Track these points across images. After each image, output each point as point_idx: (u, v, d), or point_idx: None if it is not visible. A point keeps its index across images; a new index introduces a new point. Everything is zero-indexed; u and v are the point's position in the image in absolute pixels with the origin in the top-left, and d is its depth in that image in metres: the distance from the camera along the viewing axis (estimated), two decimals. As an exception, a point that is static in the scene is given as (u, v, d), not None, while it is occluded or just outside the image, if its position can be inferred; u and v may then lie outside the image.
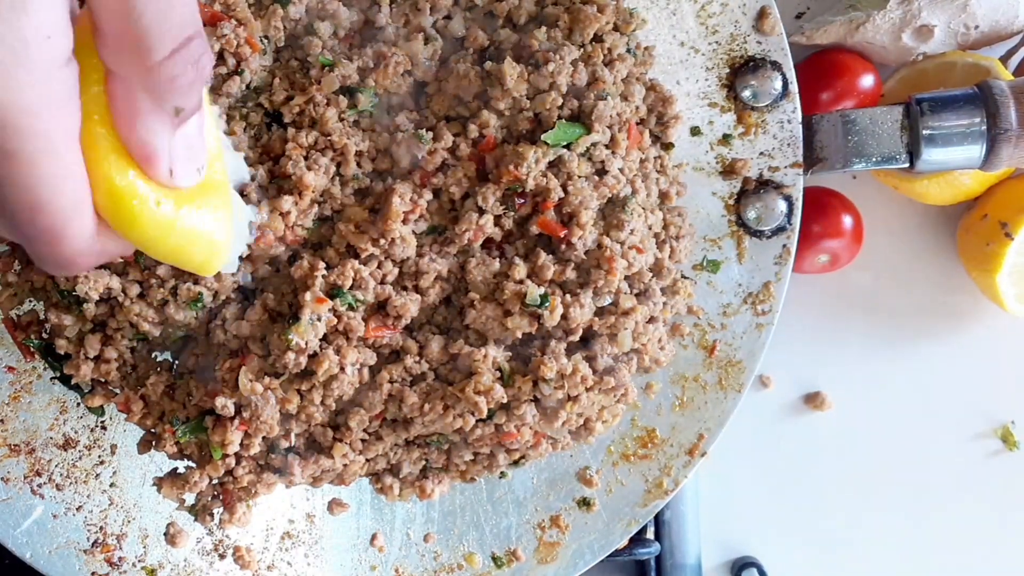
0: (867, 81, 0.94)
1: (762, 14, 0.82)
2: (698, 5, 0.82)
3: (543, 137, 0.74)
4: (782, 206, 0.83)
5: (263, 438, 0.76)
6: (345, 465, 0.78)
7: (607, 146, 0.76)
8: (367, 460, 0.79)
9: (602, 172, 0.76)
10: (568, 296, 0.75)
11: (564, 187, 0.75)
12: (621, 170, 0.77)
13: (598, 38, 0.77)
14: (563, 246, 0.75)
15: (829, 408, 1.02)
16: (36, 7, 0.46)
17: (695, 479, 0.84)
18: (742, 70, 0.83)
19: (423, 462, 0.81)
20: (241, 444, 0.76)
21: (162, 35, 0.50)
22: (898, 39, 0.92)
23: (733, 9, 0.82)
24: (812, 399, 1.02)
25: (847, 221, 0.96)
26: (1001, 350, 1.03)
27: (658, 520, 0.98)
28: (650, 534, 0.97)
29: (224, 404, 0.74)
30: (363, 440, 0.78)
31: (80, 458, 0.80)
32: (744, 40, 0.82)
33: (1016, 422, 1.03)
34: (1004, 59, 0.95)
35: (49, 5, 0.47)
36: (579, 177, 0.75)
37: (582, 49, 0.76)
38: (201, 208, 0.59)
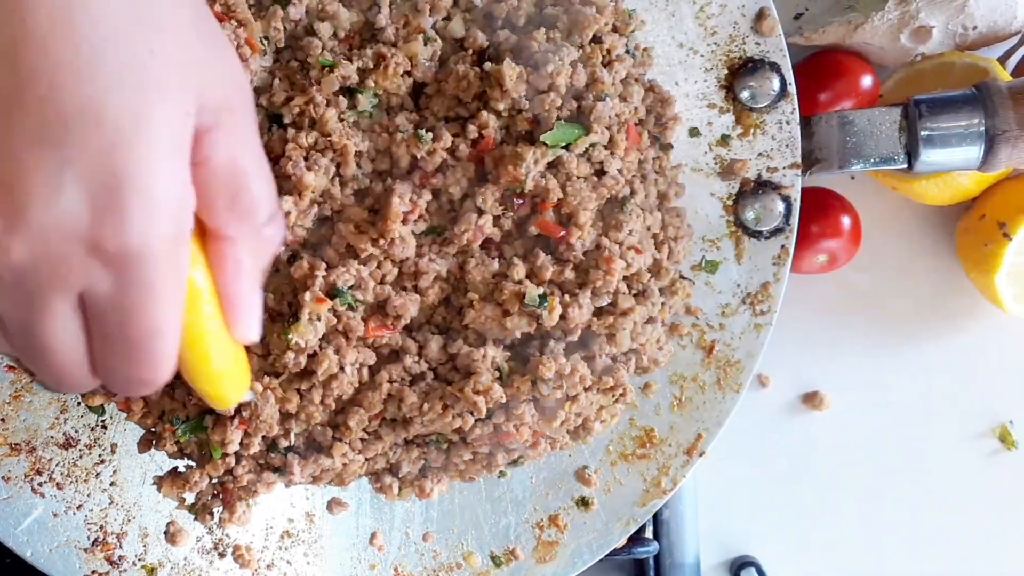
0: (865, 82, 0.94)
1: (761, 15, 0.82)
2: (697, 6, 0.82)
3: (542, 138, 0.74)
4: (780, 207, 0.83)
5: (262, 437, 0.77)
6: (344, 464, 0.79)
7: (606, 147, 0.76)
8: (366, 460, 0.80)
9: (601, 173, 0.77)
10: (567, 296, 0.75)
11: (563, 188, 0.75)
12: (620, 171, 0.77)
13: (597, 39, 0.77)
14: (562, 247, 0.76)
15: (827, 408, 1.02)
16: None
17: (694, 478, 0.84)
18: (741, 71, 0.83)
19: (422, 462, 0.81)
20: (241, 443, 0.76)
21: (264, 203, 0.62)
22: (896, 40, 0.92)
23: (732, 10, 0.82)
24: (810, 399, 1.02)
25: (845, 221, 0.96)
26: (999, 350, 1.03)
27: (657, 519, 0.98)
28: (649, 533, 0.97)
29: None
30: (362, 440, 0.78)
31: (80, 457, 0.80)
32: (743, 41, 0.83)
33: (1014, 422, 1.03)
34: (1002, 60, 0.96)
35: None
36: (578, 178, 0.75)
37: (581, 50, 0.76)
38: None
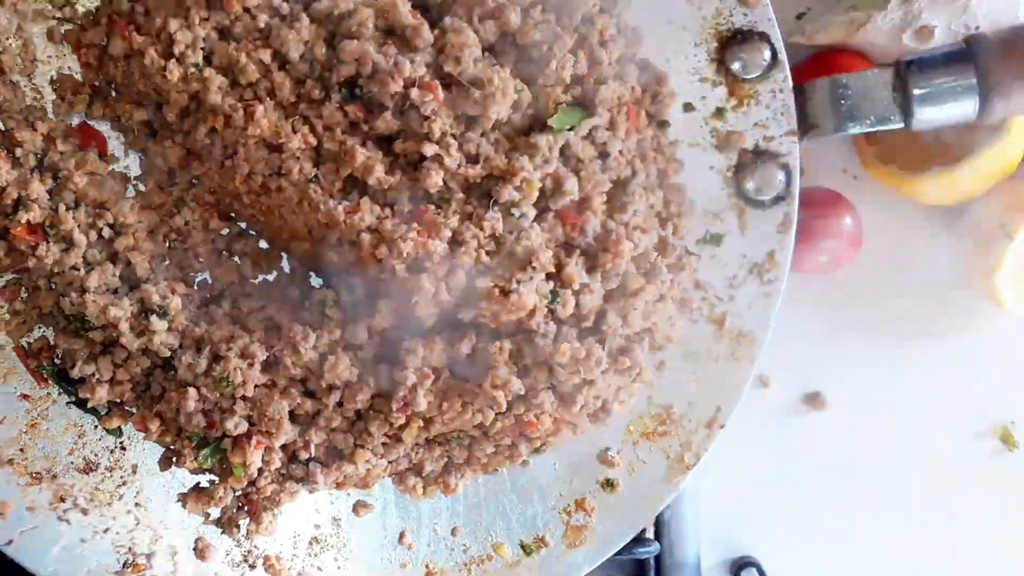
0: (868, 81, 0.94)
1: (746, -15, 0.82)
2: (682, -19, 0.82)
3: (549, 122, 0.74)
4: (780, 175, 0.83)
5: (282, 447, 0.76)
6: (368, 469, 0.79)
7: (607, 129, 0.76)
8: (389, 462, 0.80)
9: (604, 155, 0.77)
10: (576, 284, 0.75)
11: (576, 173, 0.75)
12: (620, 152, 0.78)
13: (588, 20, 0.77)
14: (574, 233, 0.76)
15: (828, 408, 1.03)
16: None
17: (695, 479, 0.84)
18: (730, 43, 0.83)
19: (445, 459, 0.81)
20: (262, 460, 0.76)
21: None
22: (898, 39, 0.92)
23: (717, -17, 0.82)
24: (811, 399, 1.03)
25: (847, 221, 0.97)
26: (1000, 350, 1.03)
27: (658, 519, 0.98)
28: (650, 533, 0.97)
29: (236, 423, 0.74)
30: (384, 444, 0.78)
31: (102, 480, 0.80)
32: (730, 13, 0.82)
33: (1016, 422, 1.03)
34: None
35: None
36: (588, 161, 0.76)
37: (576, 34, 0.76)
38: None
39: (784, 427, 1.03)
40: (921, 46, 0.93)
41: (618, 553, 0.85)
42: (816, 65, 0.96)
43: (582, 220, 0.75)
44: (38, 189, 0.74)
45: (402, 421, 0.76)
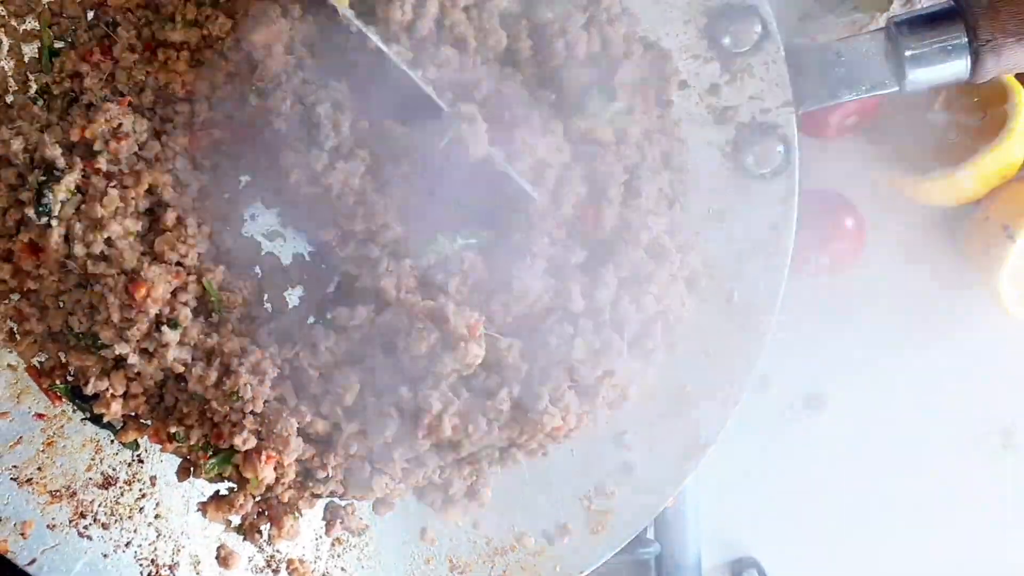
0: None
1: (730, -40, 0.82)
2: (666, -40, 0.82)
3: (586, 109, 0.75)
4: (779, 147, 0.83)
5: (299, 460, 0.76)
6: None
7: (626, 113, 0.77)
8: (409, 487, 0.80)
9: (622, 139, 0.77)
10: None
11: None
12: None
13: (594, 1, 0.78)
14: (589, 226, 0.76)
15: (829, 409, 1.03)
16: None
17: (695, 479, 0.84)
18: (719, 18, 0.83)
19: (475, 477, 0.81)
20: (275, 471, 0.76)
21: None
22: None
23: (701, -42, 0.82)
24: (812, 400, 1.02)
25: (849, 223, 0.98)
26: (1002, 352, 1.03)
27: (658, 520, 0.98)
28: (650, 534, 0.97)
29: (245, 438, 0.74)
30: (404, 469, 0.78)
31: (122, 494, 0.80)
32: (718, -12, 0.83)
33: (1017, 424, 1.03)
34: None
35: None
36: (605, 148, 0.76)
37: (586, 12, 0.77)
38: None
39: (784, 427, 1.03)
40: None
41: (619, 553, 0.84)
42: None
43: (599, 213, 0.75)
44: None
45: (427, 447, 0.76)
